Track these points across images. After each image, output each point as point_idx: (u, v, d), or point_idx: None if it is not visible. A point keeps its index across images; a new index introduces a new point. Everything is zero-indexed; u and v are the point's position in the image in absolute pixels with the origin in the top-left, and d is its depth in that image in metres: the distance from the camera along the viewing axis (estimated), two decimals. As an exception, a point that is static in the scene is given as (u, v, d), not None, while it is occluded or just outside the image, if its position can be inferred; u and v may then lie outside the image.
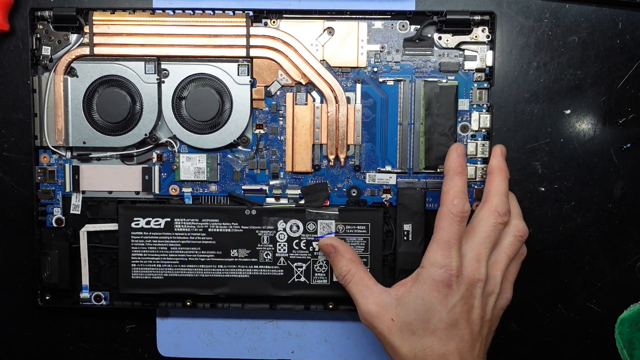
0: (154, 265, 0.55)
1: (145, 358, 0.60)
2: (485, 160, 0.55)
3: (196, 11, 0.54)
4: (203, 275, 0.56)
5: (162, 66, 0.55)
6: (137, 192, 0.56)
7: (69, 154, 0.56)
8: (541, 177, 0.57)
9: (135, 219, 0.55)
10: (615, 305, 0.57)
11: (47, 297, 0.57)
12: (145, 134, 0.55)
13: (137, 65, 0.54)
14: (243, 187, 0.56)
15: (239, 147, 0.56)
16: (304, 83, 0.55)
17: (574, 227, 0.57)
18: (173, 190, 0.56)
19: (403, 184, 0.56)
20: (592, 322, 0.58)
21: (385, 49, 0.55)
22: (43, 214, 0.56)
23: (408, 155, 0.56)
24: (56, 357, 0.60)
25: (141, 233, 0.55)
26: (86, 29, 0.55)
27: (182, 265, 0.55)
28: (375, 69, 0.55)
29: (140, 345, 0.60)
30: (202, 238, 0.55)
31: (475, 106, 0.55)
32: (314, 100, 0.55)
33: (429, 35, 0.55)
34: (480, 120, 0.55)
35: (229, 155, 0.56)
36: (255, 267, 0.55)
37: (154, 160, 0.56)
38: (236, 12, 0.54)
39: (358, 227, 0.55)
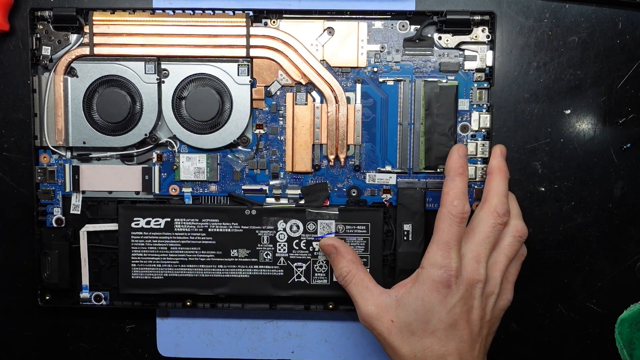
0: (154, 265, 0.55)
1: (145, 358, 0.60)
2: (485, 160, 0.55)
3: (196, 11, 0.54)
4: (203, 275, 0.56)
5: (162, 66, 0.55)
6: (137, 192, 0.56)
7: (69, 154, 0.56)
8: (541, 177, 0.57)
9: (135, 219, 0.55)
10: (615, 305, 0.57)
11: (47, 297, 0.57)
12: (145, 134, 0.55)
13: (137, 65, 0.54)
14: (243, 187, 0.56)
15: (239, 147, 0.56)
16: (304, 83, 0.55)
17: (574, 227, 0.57)
18: (173, 190, 0.56)
19: (403, 184, 0.56)
20: (592, 322, 0.58)
21: (385, 49, 0.55)
22: (43, 214, 0.56)
23: (408, 155, 0.56)
24: (56, 357, 0.60)
25: (141, 233, 0.55)
26: (86, 29, 0.55)
27: (182, 265, 0.55)
28: (375, 69, 0.55)
29: (140, 345, 0.60)
30: (202, 238, 0.55)
31: (475, 106, 0.55)
32: (314, 100, 0.55)
33: (429, 35, 0.55)
34: (480, 120, 0.55)
35: (229, 155, 0.56)
36: (255, 267, 0.56)
37: (154, 160, 0.56)
38: (236, 12, 0.54)
39: (358, 227, 0.55)
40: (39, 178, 0.56)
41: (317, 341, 0.59)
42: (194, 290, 0.56)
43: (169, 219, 0.55)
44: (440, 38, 0.55)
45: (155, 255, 0.55)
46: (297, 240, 0.55)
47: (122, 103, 0.55)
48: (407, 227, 0.55)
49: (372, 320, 0.50)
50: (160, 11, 0.54)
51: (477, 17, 0.54)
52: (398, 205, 0.55)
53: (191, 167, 0.56)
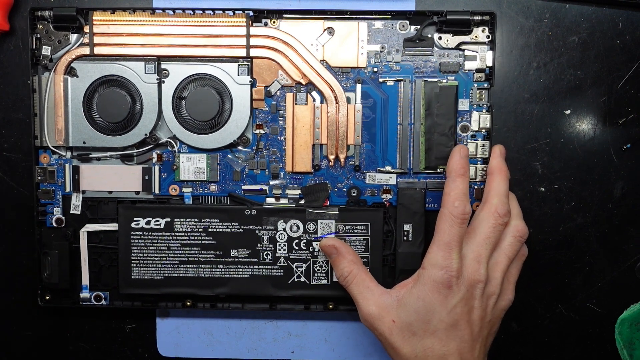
0: (154, 265, 0.55)
1: (145, 358, 0.60)
2: (485, 161, 0.55)
3: (196, 11, 0.54)
4: (203, 275, 0.56)
5: (162, 66, 0.55)
6: (137, 192, 0.56)
7: (69, 154, 0.56)
8: (541, 178, 0.57)
9: (135, 219, 0.55)
10: (615, 306, 0.57)
11: (47, 297, 0.57)
12: (145, 134, 0.55)
13: (137, 65, 0.54)
14: (243, 187, 0.56)
15: (239, 147, 0.56)
16: (304, 83, 0.55)
17: (573, 227, 0.57)
18: (173, 190, 0.56)
19: (403, 184, 0.56)
20: (592, 323, 0.58)
21: (386, 49, 0.55)
22: (43, 214, 0.56)
23: (408, 155, 0.56)
24: (56, 357, 0.60)
25: (141, 233, 0.55)
26: (86, 29, 0.55)
27: (182, 265, 0.55)
28: (376, 69, 0.55)
29: (140, 345, 0.60)
30: (202, 238, 0.55)
31: (475, 106, 0.55)
32: (314, 100, 0.55)
33: (429, 35, 0.55)
34: (480, 120, 0.55)
35: (229, 155, 0.56)
36: (255, 267, 0.56)
37: (154, 160, 0.56)
38: (236, 12, 0.54)
39: (358, 227, 0.55)
40: (39, 178, 0.56)
41: (317, 341, 0.59)
42: (194, 290, 0.56)
43: (169, 219, 0.55)
44: (440, 38, 0.55)
45: (155, 255, 0.55)
46: (297, 240, 0.55)
47: (122, 103, 0.55)
48: (407, 227, 0.55)
49: (374, 320, 0.50)
50: (160, 11, 0.54)
51: (477, 17, 0.54)
52: (398, 205, 0.55)
53: (191, 167, 0.56)
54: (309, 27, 0.55)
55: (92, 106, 0.55)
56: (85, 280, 0.57)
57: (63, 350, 0.60)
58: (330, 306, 0.57)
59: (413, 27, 0.55)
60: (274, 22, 0.55)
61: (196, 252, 0.55)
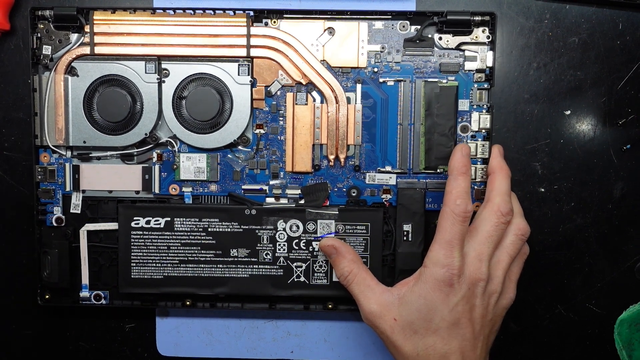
0: (154, 264, 0.55)
1: (144, 357, 0.60)
2: (486, 161, 0.55)
3: (197, 11, 0.54)
4: (203, 275, 0.56)
5: (163, 66, 0.55)
6: (137, 192, 0.56)
7: (69, 153, 0.56)
8: (541, 178, 0.57)
9: (135, 218, 0.55)
10: (614, 306, 0.57)
11: (47, 296, 0.57)
12: (146, 134, 0.55)
13: (137, 64, 0.55)
14: (243, 187, 0.56)
15: (239, 147, 0.56)
16: (304, 83, 0.55)
17: (573, 227, 0.57)
18: (173, 189, 0.56)
19: (403, 184, 0.56)
20: (592, 323, 0.58)
21: (386, 49, 0.55)
22: (43, 213, 0.56)
23: (408, 155, 0.56)
24: (56, 356, 0.60)
25: (141, 232, 0.55)
26: (87, 29, 0.55)
27: (181, 265, 0.55)
28: (376, 69, 0.55)
29: (140, 345, 0.60)
30: (202, 238, 0.55)
31: (475, 107, 0.55)
32: (314, 100, 0.55)
33: (430, 35, 0.55)
34: (480, 120, 0.55)
35: (229, 155, 0.56)
36: (255, 266, 0.56)
37: (154, 159, 0.56)
38: (237, 12, 0.54)
39: (358, 227, 0.55)
40: (39, 177, 0.56)
41: (317, 341, 0.59)
42: (193, 289, 0.56)
43: (168, 219, 0.55)
44: (440, 38, 0.55)
45: (155, 254, 0.55)
46: (297, 240, 0.55)
47: (123, 102, 0.55)
48: (406, 227, 0.55)
49: (375, 319, 0.50)
50: (161, 11, 0.55)
51: (477, 18, 0.54)
52: (398, 205, 0.55)
53: (191, 166, 0.56)
54: (310, 27, 0.55)
55: (92, 105, 0.55)
56: (85, 279, 0.57)
57: (63, 350, 0.60)
58: (330, 306, 0.57)
59: (413, 27, 0.55)
60: (274, 22, 0.55)
61: (196, 251, 0.55)
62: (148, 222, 0.55)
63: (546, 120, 0.56)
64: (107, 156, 0.56)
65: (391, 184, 0.56)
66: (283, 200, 0.56)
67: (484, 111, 0.55)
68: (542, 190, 0.57)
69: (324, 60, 0.55)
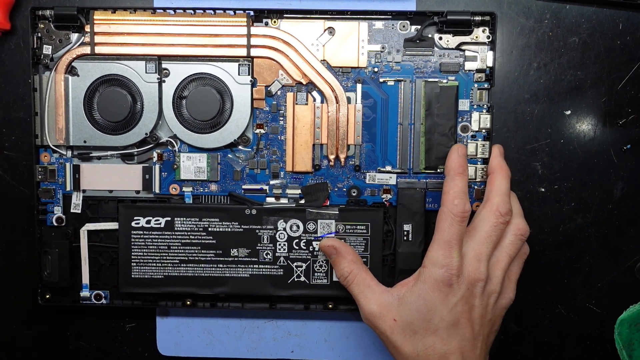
0: (154, 264, 0.56)
1: (145, 357, 0.60)
2: (486, 161, 0.55)
3: (197, 11, 0.54)
4: (203, 275, 0.56)
5: (163, 65, 0.55)
6: (138, 191, 0.56)
7: (69, 153, 0.56)
8: (541, 178, 0.57)
9: (135, 218, 0.55)
10: (614, 306, 0.57)
11: (48, 296, 0.57)
12: (146, 133, 0.55)
13: (138, 64, 0.55)
14: (243, 187, 0.56)
15: (240, 147, 0.56)
16: (304, 83, 0.55)
17: (573, 227, 0.57)
18: (173, 189, 0.56)
19: (403, 184, 0.56)
20: (592, 323, 0.58)
21: (386, 49, 0.55)
22: (43, 213, 0.56)
23: (408, 155, 0.56)
24: (56, 356, 0.60)
25: (141, 232, 0.55)
26: (87, 28, 0.55)
27: (182, 265, 0.56)
28: (376, 69, 0.55)
29: (140, 344, 0.60)
30: (202, 237, 0.55)
31: (475, 106, 0.55)
32: (314, 100, 0.55)
33: (430, 35, 0.55)
34: (480, 120, 0.55)
35: (229, 155, 0.56)
36: (255, 266, 0.56)
37: (155, 159, 0.56)
38: (237, 11, 0.54)
39: (358, 227, 0.55)
40: (40, 177, 0.56)
41: (317, 340, 0.59)
42: (193, 289, 0.56)
43: (169, 218, 0.55)
44: (440, 38, 0.55)
45: (156, 254, 0.55)
46: (297, 240, 0.55)
47: (123, 102, 0.55)
48: (407, 227, 0.55)
49: (375, 319, 0.50)
50: (161, 11, 0.55)
51: (477, 18, 0.54)
52: (398, 205, 0.55)
53: (191, 166, 0.56)
54: (310, 27, 0.55)
55: (92, 105, 0.55)
56: (86, 279, 0.57)
57: (63, 349, 0.60)
58: (330, 306, 0.57)
59: (413, 27, 0.55)
60: (274, 21, 0.55)
61: (196, 251, 0.55)
62: (148, 222, 0.55)
63: (546, 120, 0.56)
64: (107, 156, 0.56)
65: (391, 184, 0.56)
66: (283, 200, 0.56)
67: (484, 111, 0.55)
68: (542, 190, 0.57)
69: (324, 60, 0.55)
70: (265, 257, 0.56)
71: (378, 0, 0.55)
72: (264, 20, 0.55)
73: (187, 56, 0.55)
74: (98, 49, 0.55)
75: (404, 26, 0.55)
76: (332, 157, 0.55)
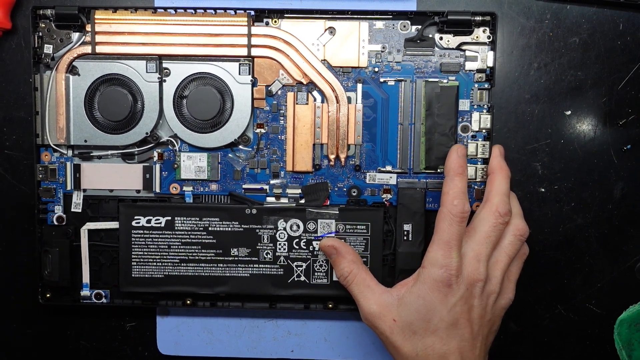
0: (155, 263, 0.56)
1: (145, 356, 0.60)
2: (486, 161, 0.55)
3: (198, 10, 0.55)
4: (203, 274, 0.56)
5: (164, 65, 0.55)
6: (138, 191, 0.56)
7: (70, 152, 0.56)
8: (541, 178, 0.57)
9: (136, 217, 0.55)
10: (614, 306, 0.58)
11: (48, 295, 0.57)
12: (147, 133, 0.55)
13: (138, 64, 0.55)
14: (244, 186, 0.56)
15: (240, 146, 0.56)
16: (305, 83, 0.55)
17: (573, 227, 0.57)
18: (174, 188, 0.56)
19: (403, 184, 0.56)
20: (592, 323, 0.58)
21: (387, 49, 0.55)
22: (44, 212, 0.56)
23: (408, 155, 0.56)
24: (56, 355, 0.60)
25: (142, 231, 0.55)
26: (88, 28, 0.55)
27: (182, 264, 0.56)
28: (376, 69, 0.55)
29: (140, 344, 0.60)
30: (203, 237, 0.55)
31: (475, 107, 0.55)
32: (314, 99, 0.55)
33: (430, 35, 0.55)
34: (480, 120, 0.55)
35: (229, 154, 0.56)
36: (255, 266, 0.56)
37: (155, 158, 0.56)
38: (237, 11, 0.54)
39: (358, 226, 0.55)
40: (40, 176, 0.56)
41: (317, 340, 0.59)
42: (194, 288, 0.56)
43: (169, 218, 0.55)
44: (441, 38, 0.55)
45: (156, 253, 0.56)
46: (297, 240, 0.56)
47: (124, 102, 0.55)
48: (407, 227, 0.55)
49: (375, 319, 0.50)
50: (162, 10, 0.55)
51: (478, 18, 0.54)
52: (398, 205, 0.55)
53: (192, 165, 0.56)
54: (310, 26, 0.55)
55: (93, 105, 0.55)
56: (86, 278, 0.57)
57: (63, 349, 0.60)
58: (330, 305, 0.57)
59: (414, 27, 0.55)
60: (275, 21, 0.55)
61: (196, 250, 0.56)
62: (149, 221, 0.55)
63: (547, 120, 0.56)
64: (108, 155, 0.56)
65: (391, 184, 0.56)
66: (283, 200, 0.56)
67: (485, 111, 0.55)
68: (543, 190, 0.57)
69: (324, 59, 0.55)
70: (266, 256, 0.56)
71: (379, 0, 0.56)
72: (265, 20, 0.55)
73: (187, 56, 0.55)
74: (99, 49, 0.55)
75: (404, 26, 0.55)
76: (332, 156, 0.56)
